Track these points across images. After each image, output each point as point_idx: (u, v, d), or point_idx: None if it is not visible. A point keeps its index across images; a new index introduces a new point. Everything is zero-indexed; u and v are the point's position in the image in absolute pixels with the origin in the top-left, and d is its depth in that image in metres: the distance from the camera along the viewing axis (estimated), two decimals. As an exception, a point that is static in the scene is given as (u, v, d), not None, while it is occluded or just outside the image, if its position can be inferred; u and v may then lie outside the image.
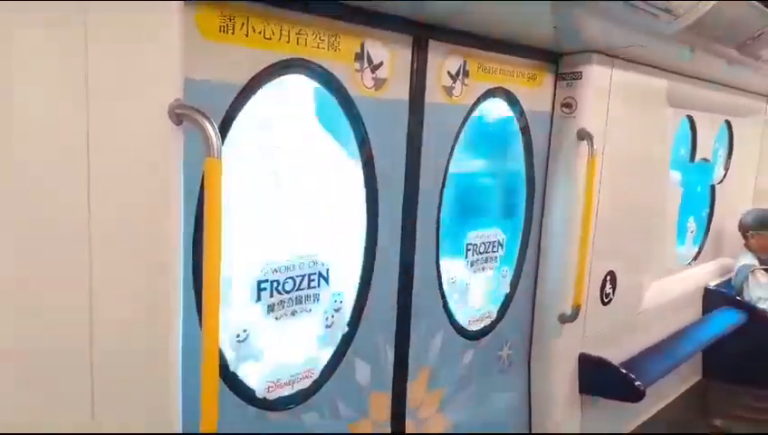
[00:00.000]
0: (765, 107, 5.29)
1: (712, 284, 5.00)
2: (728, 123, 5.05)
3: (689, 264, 4.95)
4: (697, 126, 4.60)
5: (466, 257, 3.09)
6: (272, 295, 2.26)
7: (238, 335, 2.19)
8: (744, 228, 5.04)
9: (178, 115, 1.69)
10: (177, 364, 1.81)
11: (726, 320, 4.65)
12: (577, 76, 3.29)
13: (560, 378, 3.54)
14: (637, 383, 3.52)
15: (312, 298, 2.39)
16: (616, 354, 3.70)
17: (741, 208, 5.18)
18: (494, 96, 3.05)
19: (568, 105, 3.33)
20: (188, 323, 1.87)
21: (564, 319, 3.40)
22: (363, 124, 2.48)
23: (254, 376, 2.28)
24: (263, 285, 2.23)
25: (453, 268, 3.04)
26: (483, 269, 3.18)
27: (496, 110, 3.16)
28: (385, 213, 2.61)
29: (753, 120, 5.26)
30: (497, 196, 3.34)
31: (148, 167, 1.67)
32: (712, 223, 5.12)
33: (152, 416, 1.78)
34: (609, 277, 3.69)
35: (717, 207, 5.14)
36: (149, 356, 1.75)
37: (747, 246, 5.04)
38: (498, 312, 3.31)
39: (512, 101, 3.15)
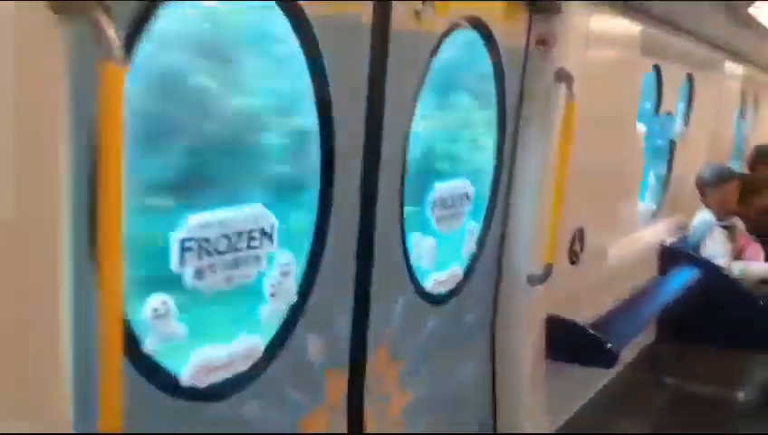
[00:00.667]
0: (727, 63, 4.92)
1: (668, 241, 4.63)
2: (689, 76, 4.65)
3: (649, 220, 4.58)
4: (663, 78, 4.19)
5: (433, 212, 2.56)
6: (200, 258, 1.66)
7: (156, 309, 1.59)
8: (701, 184, 4.69)
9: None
10: (65, 346, 1.31)
11: (686, 277, 4.35)
12: (555, 10, 2.78)
13: (526, 344, 3.10)
14: (609, 346, 3.16)
15: (252, 261, 1.81)
16: (582, 317, 3.28)
17: (698, 164, 4.81)
18: (465, 27, 2.52)
19: (544, 42, 2.83)
20: (82, 293, 1.32)
21: (534, 280, 2.94)
22: (318, 48, 1.91)
23: (177, 360, 1.69)
24: (187, 245, 1.63)
25: (417, 223, 2.52)
26: (450, 225, 2.65)
27: (467, 45, 2.62)
28: (341, 158, 2.05)
29: (714, 76, 4.89)
30: (465, 142, 2.81)
31: (19, 71, 1.16)
32: (671, 179, 4.75)
33: (33, 415, 1.28)
34: (577, 235, 3.24)
35: (676, 163, 4.76)
36: (26, 338, 1.25)
37: (705, 202, 4.70)
38: (465, 273, 2.80)
39: (485, 34, 2.62)
